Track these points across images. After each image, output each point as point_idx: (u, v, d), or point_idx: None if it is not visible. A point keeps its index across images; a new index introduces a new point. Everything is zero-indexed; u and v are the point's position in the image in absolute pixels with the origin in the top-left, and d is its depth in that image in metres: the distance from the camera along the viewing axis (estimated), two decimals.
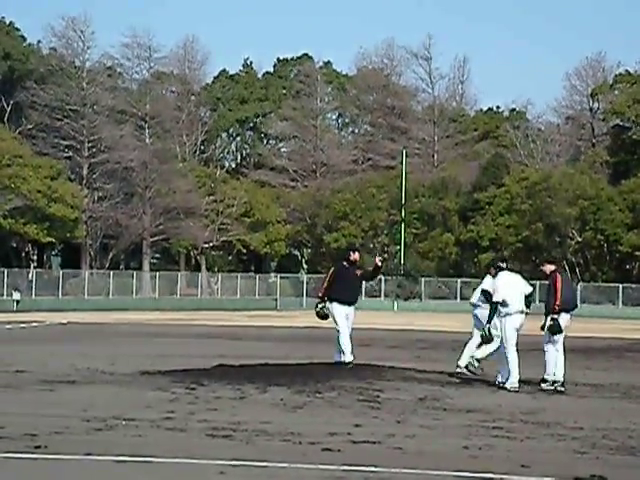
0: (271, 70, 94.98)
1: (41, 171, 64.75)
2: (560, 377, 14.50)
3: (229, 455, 8.35)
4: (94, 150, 71.64)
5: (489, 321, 14.64)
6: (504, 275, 14.89)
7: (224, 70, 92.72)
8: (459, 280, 71.48)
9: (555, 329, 14.47)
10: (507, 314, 14.57)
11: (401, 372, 15.89)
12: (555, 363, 14.52)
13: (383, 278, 72.87)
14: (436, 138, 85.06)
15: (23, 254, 73.26)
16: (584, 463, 8.47)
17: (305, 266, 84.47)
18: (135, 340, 26.51)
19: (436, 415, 11.37)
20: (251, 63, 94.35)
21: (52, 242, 69.55)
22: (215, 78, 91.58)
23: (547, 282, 14.90)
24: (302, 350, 21.89)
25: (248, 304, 66.04)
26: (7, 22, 79.19)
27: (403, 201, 70.74)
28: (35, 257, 75.11)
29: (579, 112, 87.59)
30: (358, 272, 16.45)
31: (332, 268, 16.43)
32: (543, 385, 14.46)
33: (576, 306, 15.11)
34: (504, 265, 15.30)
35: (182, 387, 13.52)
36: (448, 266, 75.47)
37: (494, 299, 14.57)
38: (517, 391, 14.15)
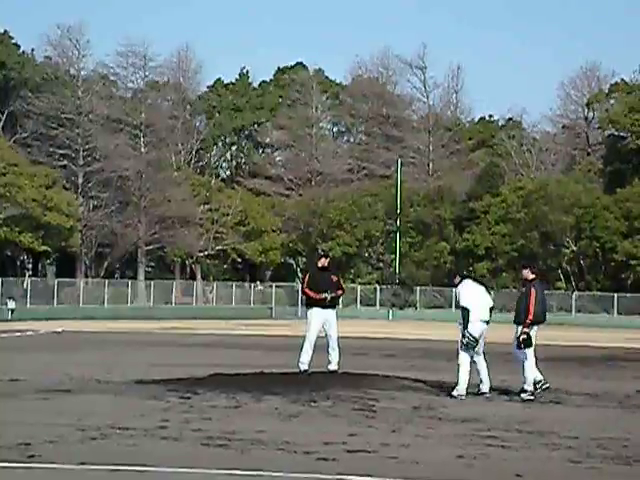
0: (266, 79, 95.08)
1: (36, 180, 64.71)
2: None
3: (224, 464, 8.34)
4: (89, 159, 71.64)
5: (465, 326, 14.52)
6: (468, 282, 14.96)
7: (219, 79, 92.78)
8: (454, 289, 71.22)
9: (527, 343, 14.48)
10: (469, 321, 14.56)
11: (396, 381, 15.88)
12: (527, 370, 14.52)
13: (378, 287, 72.92)
14: (431, 147, 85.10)
15: (18, 263, 73.24)
16: (579, 472, 8.47)
17: (300, 275, 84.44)
18: (130, 349, 26.47)
19: (431, 424, 11.37)
20: (247, 72, 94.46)
21: (47, 251, 69.42)
22: (210, 87, 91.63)
23: (523, 289, 14.96)
24: (297, 359, 21.85)
25: (243, 313, 65.99)
26: (2, 31, 79.11)
27: (398, 210, 70.81)
28: (30, 266, 75.05)
29: (574, 121, 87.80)
30: (334, 278, 16.47)
31: (307, 273, 16.50)
32: (523, 395, 14.45)
33: (544, 319, 14.94)
34: (467, 274, 15.50)
35: (177, 396, 13.50)
36: (443, 275, 75.29)
37: (462, 303, 14.60)
38: (463, 399, 14.13)
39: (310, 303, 16.26)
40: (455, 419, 11.85)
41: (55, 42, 76.60)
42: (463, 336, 14.45)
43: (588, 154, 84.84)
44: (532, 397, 14.36)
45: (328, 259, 16.78)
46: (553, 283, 73.02)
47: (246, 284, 76.87)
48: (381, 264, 77.55)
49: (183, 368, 18.12)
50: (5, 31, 79.28)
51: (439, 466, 8.60)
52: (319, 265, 16.52)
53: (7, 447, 9.06)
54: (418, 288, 72.30)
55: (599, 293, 70.20)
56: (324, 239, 76.33)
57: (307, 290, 16.17)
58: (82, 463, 8.31)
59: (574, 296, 70.05)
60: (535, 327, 14.68)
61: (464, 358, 14.44)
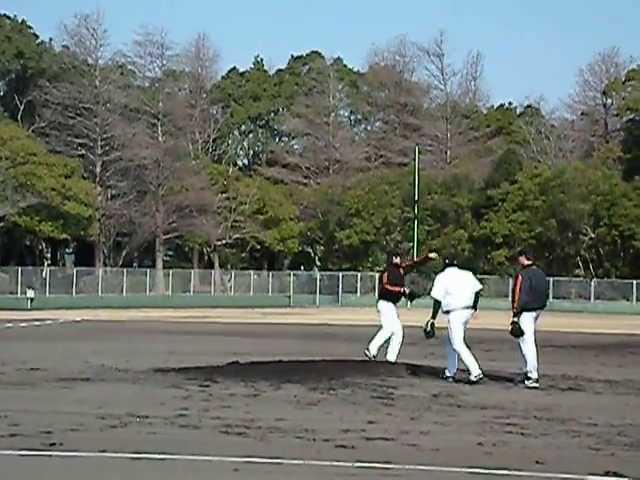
0: (283, 67, 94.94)
1: (55, 169, 64.96)
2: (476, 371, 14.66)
3: (243, 452, 8.35)
4: (107, 148, 71.79)
5: (433, 316, 14.86)
6: (448, 271, 15.16)
7: (234, 68, 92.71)
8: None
9: (516, 332, 14.47)
10: (451, 310, 14.74)
11: (415, 369, 15.87)
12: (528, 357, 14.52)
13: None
14: (449, 135, 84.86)
15: (37, 252, 73.52)
16: (599, 459, 8.45)
17: (318, 263, 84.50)
18: (149, 337, 26.56)
19: (450, 412, 11.36)
20: (262, 60, 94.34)
21: (66, 240, 69.75)
22: (225, 75, 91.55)
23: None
24: (315, 347, 21.90)
25: (261, 301, 66.11)
26: (19, 20, 79.34)
27: (416, 198, 70.67)
28: (49, 255, 75.39)
29: (592, 108, 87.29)
30: (401, 270, 17.12)
31: (385, 271, 17.00)
32: (527, 382, 14.43)
33: (544, 305, 14.84)
34: (452, 262, 15.60)
35: (196, 384, 13.54)
36: (462, 262, 75.31)
37: (432, 294, 14.91)
38: (482, 379, 14.36)
39: (388, 298, 16.62)
40: (474, 406, 11.84)
41: (73, 31, 76.77)
42: (426, 324, 14.86)
43: (607, 141, 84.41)
44: (537, 384, 14.32)
45: (399, 258, 17.60)
46: (572, 270, 72.86)
47: (264, 272, 76.94)
48: (398, 252, 77.44)
49: (202, 356, 18.16)
50: (23, 20, 79.50)
51: (458, 453, 8.60)
52: (394, 263, 17.18)
53: (28, 435, 9.11)
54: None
55: (618, 280, 69.99)
56: (342, 227, 76.30)
57: (389, 286, 16.48)
58: (102, 451, 8.35)
59: (593, 283, 69.85)
60: (533, 313, 14.59)
61: (458, 343, 14.64)
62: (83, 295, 61.49)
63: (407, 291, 16.77)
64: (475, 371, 14.52)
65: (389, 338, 16.54)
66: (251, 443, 8.93)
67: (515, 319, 14.44)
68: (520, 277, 14.63)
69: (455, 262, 15.67)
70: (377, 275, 17.43)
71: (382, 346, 16.47)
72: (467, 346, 14.75)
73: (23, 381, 13.92)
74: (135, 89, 78.52)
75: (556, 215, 72.00)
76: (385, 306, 16.64)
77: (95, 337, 26.57)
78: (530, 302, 14.48)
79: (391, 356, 16.38)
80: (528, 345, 14.46)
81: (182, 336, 27.42)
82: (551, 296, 70.49)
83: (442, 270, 15.31)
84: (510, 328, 14.50)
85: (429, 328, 14.84)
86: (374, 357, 16.39)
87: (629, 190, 71.78)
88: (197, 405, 11.40)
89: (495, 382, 14.73)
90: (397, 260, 17.37)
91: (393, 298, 16.66)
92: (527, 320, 14.48)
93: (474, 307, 14.99)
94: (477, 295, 15.05)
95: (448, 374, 14.94)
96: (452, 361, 14.94)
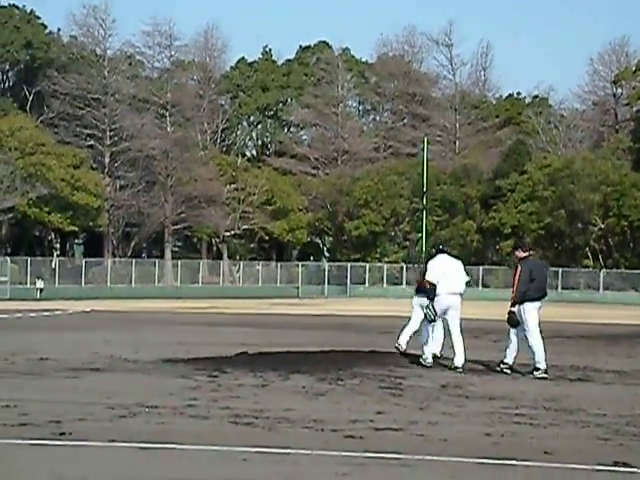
0: (291, 57, 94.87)
1: (64, 160, 65.07)
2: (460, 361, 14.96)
3: (252, 442, 8.38)
4: (116, 139, 71.85)
5: (432, 299, 15.21)
6: (439, 257, 15.58)
7: (243, 58, 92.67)
8: (481, 268, 71.32)
9: (513, 322, 14.51)
10: (437, 294, 15.12)
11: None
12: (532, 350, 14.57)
13: (405, 266, 72.86)
14: (457, 125, 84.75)
15: (46, 243, 73.66)
16: (607, 450, 8.45)
17: (326, 254, 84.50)
18: (158, 328, 26.61)
19: (458, 402, 11.37)
20: (270, 51, 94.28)
21: (75, 231, 69.86)
22: (234, 66, 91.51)
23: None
24: (323, 338, 21.92)
25: (269, 292, 66.16)
26: (28, 10, 79.41)
27: (424, 188, 70.58)
28: (58, 245, 75.50)
29: (602, 98, 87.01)
30: None
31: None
32: (536, 373, 14.45)
33: (543, 295, 14.84)
34: (442, 248, 16.11)
35: (205, 375, 13.57)
36: (470, 254, 75.20)
37: (427, 278, 15.27)
38: (430, 365, 14.99)
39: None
40: (483, 397, 11.85)
41: (81, 22, 76.81)
42: (426, 307, 15.22)
43: (616, 131, 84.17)
44: (546, 375, 14.33)
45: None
46: (581, 261, 72.74)
47: (272, 263, 76.99)
48: (407, 243, 77.47)
49: (210, 347, 18.20)
50: (31, 11, 79.58)
51: (467, 443, 8.61)
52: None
53: (38, 425, 9.15)
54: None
55: (627, 271, 69.85)
56: (350, 218, 76.30)
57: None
58: (112, 440, 8.38)
59: (602, 274, 69.73)
60: (537, 303, 14.60)
61: (428, 329, 15.39)
62: (92, 286, 61.61)
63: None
64: (427, 358, 15.16)
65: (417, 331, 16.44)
66: (260, 433, 8.95)
67: (513, 309, 14.50)
68: (519, 268, 14.69)
69: (445, 249, 16.10)
70: (417, 268, 17.27)
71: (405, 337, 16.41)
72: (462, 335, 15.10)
73: (33, 371, 13.97)
74: (143, 79, 78.56)
75: (565, 206, 71.86)
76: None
77: (104, 327, 26.62)
78: (531, 292, 14.52)
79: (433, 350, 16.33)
80: (534, 336, 14.47)
81: (191, 327, 27.46)
82: (560, 287, 70.77)
83: (433, 257, 15.73)
84: (507, 317, 14.60)
85: (430, 311, 15.20)
86: (404, 350, 16.35)
87: (639, 180, 71.59)
88: (206, 395, 11.43)
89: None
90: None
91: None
92: (531, 311, 14.49)
93: (461, 297, 15.34)
94: (467, 284, 15.54)
95: (454, 361, 15.09)
96: (458, 347, 15.13)
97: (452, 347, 15.24)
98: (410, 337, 16.38)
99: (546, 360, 14.49)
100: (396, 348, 16.33)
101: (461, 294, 15.38)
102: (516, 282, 14.51)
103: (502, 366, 14.70)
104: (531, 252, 15.32)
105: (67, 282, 60.46)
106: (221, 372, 13.88)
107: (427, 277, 15.25)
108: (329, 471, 7.35)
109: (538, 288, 14.68)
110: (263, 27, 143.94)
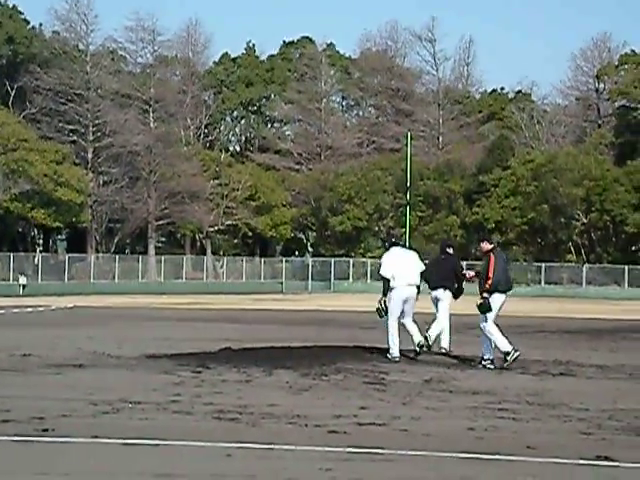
0: (275, 53, 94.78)
1: (47, 155, 64.83)
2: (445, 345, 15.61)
3: (235, 438, 8.37)
4: (99, 134, 71.66)
5: (384, 294, 15.40)
6: (393, 250, 15.75)
7: (226, 53, 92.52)
8: (465, 263, 71.10)
9: (484, 308, 14.55)
10: (393, 287, 15.26)
11: (406, 354, 15.90)
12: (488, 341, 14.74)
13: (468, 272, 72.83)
14: (441, 120, 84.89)
15: (29, 238, 73.41)
16: (590, 444, 8.48)
17: (310, 249, 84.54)
18: (141, 324, 26.57)
19: (442, 397, 11.39)
20: (253, 46, 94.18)
21: (58, 226, 69.66)
22: (217, 61, 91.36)
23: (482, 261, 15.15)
24: (307, 333, 21.92)
25: (253, 287, 66.14)
26: (10, 5, 79.01)
27: (408, 184, 70.68)
28: (41, 241, 75.31)
29: (585, 93, 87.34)
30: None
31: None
32: (484, 363, 14.60)
33: (511, 287, 15.05)
34: (395, 241, 16.49)
35: (188, 370, 13.55)
36: (453, 249, 75.40)
37: (381, 272, 15.46)
38: (397, 361, 15.02)
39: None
40: (466, 391, 11.87)
41: (63, 17, 76.62)
42: (378, 302, 15.41)
43: (599, 126, 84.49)
44: (492, 365, 14.51)
45: (452, 248, 17.82)
46: (564, 256, 73.00)
47: (256, 259, 76.97)
48: (393, 239, 77.53)
49: (194, 343, 18.18)
50: (13, 6, 79.19)
51: (450, 438, 8.63)
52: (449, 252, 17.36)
53: (21, 421, 9.12)
54: (428, 262, 72.27)
55: (610, 265, 70.16)
56: (334, 213, 76.33)
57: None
58: (95, 437, 8.36)
59: (585, 268, 70.00)
60: (501, 296, 14.68)
61: (392, 319, 15.38)
62: (75, 281, 61.48)
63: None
64: (394, 352, 15.24)
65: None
66: (243, 429, 8.95)
67: (486, 295, 14.52)
68: (493, 256, 14.74)
69: (399, 242, 16.47)
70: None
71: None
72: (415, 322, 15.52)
73: (15, 367, 13.92)
74: (126, 75, 78.36)
75: (548, 201, 72.10)
76: (446, 295, 16.65)
77: (87, 323, 26.56)
78: (502, 284, 14.60)
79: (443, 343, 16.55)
80: (492, 325, 14.60)
81: (174, 322, 27.44)
82: (543, 281, 71.00)
83: (387, 249, 15.93)
84: (479, 303, 14.56)
85: (382, 306, 15.39)
86: (450, 351, 16.40)
87: (621, 175, 71.89)
88: (189, 391, 11.42)
89: (488, 368, 14.77)
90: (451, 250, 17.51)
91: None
92: (496, 301, 14.59)
93: (418, 289, 15.54)
94: (421, 275, 15.61)
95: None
96: (414, 332, 15.55)
97: (408, 331, 15.61)
98: (446, 334, 16.51)
99: (492, 351, 14.65)
100: (443, 354, 16.26)
101: (418, 285, 15.53)
102: (491, 271, 14.55)
103: (484, 362, 14.72)
104: (495, 246, 15.39)
105: (50, 278, 60.30)
106: (205, 368, 13.87)
107: (381, 271, 15.43)
108: (313, 466, 7.35)
109: (507, 280, 14.84)
110: (246, 22, 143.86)
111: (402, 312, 15.50)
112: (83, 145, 71.86)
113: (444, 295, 16.46)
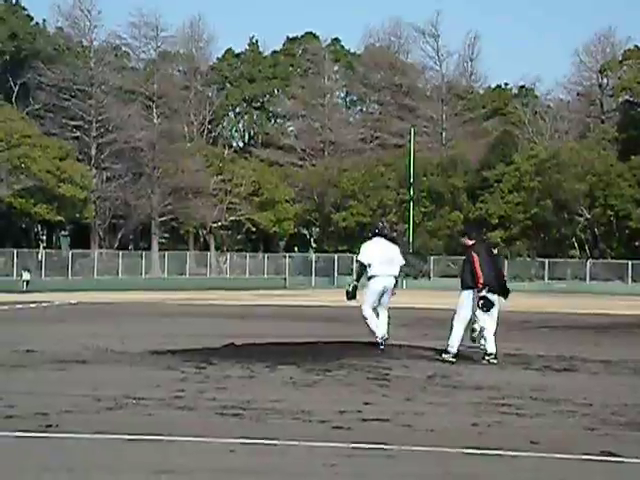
0: (278, 49, 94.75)
1: (50, 151, 64.87)
2: (383, 333, 15.60)
3: (239, 433, 8.37)
4: (102, 130, 71.67)
5: (357, 279, 15.82)
6: (374, 240, 15.86)
7: (229, 49, 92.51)
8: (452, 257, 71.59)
9: (487, 305, 14.54)
10: (371, 276, 15.49)
11: (410, 350, 15.90)
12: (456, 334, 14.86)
13: None
14: (444, 116, 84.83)
15: (32, 235, 73.47)
16: (594, 439, 8.47)
17: (313, 245, 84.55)
18: (144, 320, 26.58)
19: (445, 392, 11.38)
20: (257, 42, 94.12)
21: (61, 222, 69.70)
22: (221, 57, 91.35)
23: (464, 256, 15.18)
24: (311, 329, 21.92)
25: (257, 283, 66.14)
26: (13, 1, 79.06)
27: (411, 179, 70.71)
28: (44, 237, 75.35)
29: (588, 88, 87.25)
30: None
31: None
32: (445, 356, 14.70)
33: (497, 284, 14.89)
34: (379, 232, 16.21)
35: (192, 366, 13.55)
36: (457, 244, 75.34)
37: (359, 258, 15.75)
38: (384, 342, 15.50)
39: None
40: (469, 387, 11.86)
41: (67, 13, 76.74)
42: (349, 285, 15.85)
43: (602, 121, 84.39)
44: (453, 359, 14.57)
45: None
46: (567, 251, 72.97)
47: (260, 254, 76.97)
48: (394, 234, 77.51)
49: (197, 339, 18.18)
50: (17, 2, 79.23)
51: (453, 434, 8.62)
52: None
53: (25, 417, 9.12)
54: (432, 257, 72.28)
55: (613, 261, 70.10)
56: (337, 209, 76.31)
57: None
58: (98, 432, 8.36)
59: (588, 264, 69.93)
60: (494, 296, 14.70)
61: (367, 307, 15.61)
62: (78, 277, 61.49)
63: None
64: (379, 334, 15.53)
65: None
66: (247, 424, 8.94)
67: (482, 294, 14.52)
68: (473, 253, 14.73)
69: (383, 233, 16.23)
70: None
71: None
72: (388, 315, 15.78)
73: (19, 363, 13.92)
74: (130, 71, 78.44)
75: (552, 196, 72.05)
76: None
77: (91, 319, 26.57)
78: (487, 279, 14.58)
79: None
80: (462, 321, 14.67)
81: (178, 318, 27.44)
82: (547, 277, 70.97)
83: (369, 239, 15.98)
84: (481, 303, 14.54)
85: (350, 289, 15.73)
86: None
87: (624, 170, 71.80)
88: (193, 387, 11.42)
89: (491, 364, 14.76)
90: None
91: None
92: (468, 297, 14.61)
93: (396, 281, 15.71)
94: (400, 270, 15.79)
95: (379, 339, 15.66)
96: (382, 323, 15.74)
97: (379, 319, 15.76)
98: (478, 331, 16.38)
99: (459, 345, 14.74)
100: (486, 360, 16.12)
101: (396, 277, 15.68)
102: (476, 267, 14.55)
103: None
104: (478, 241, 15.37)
105: (53, 274, 60.32)
106: (208, 363, 13.86)
107: (359, 257, 15.68)
108: (317, 462, 7.34)
109: (490, 275, 14.80)
110: (250, 18, 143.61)
111: (379, 301, 15.70)
112: (86, 141, 71.88)
113: (494, 296, 16.30)
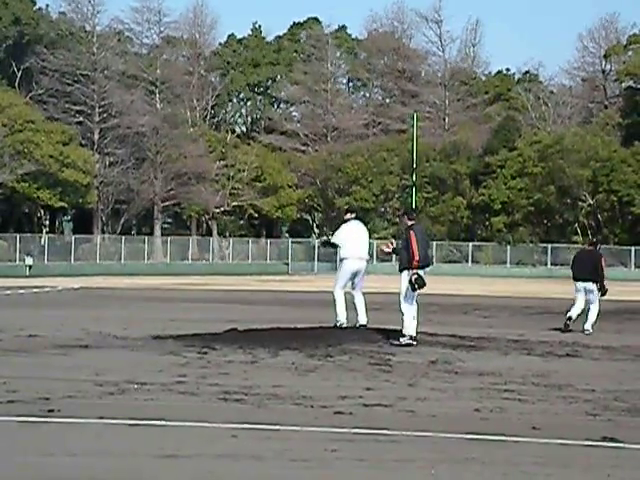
0: (281, 34, 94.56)
1: (53, 136, 64.79)
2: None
3: (241, 419, 8.38)
4: (105, 115, 71.55)
5: (329, 243, 16.84)
6: (352, 223, 16.03)
7: (232, 34, 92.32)
8: (470, 244, 71.50)
9: (420, 283, 14.64)
10: (344, 258, 15.84)
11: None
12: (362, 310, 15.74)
13: (395, 242, 72.90)
14: (447, 101, 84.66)
15: (35, 219, 73.45)
16: (596, 425, 8.48)
17: (316, 230, 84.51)
18: (147, 305, 26.61)
19: (448, 378, 11.39)
20: (260, 27, 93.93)
21: (64, 207, 69.69)
22: (224, 43, 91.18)
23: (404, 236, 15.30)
24: (313, 314, 21.93)
25: (259, 268, 66.17)
26: None
27: (414, 165, 70.51)
28: (47, 222, 75.32)
29: (592, 74, 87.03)
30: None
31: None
32: (402, 340, 14.67)
33: (429, 264, 15.34)
34: (353, 215, 16.30)
35: (194, 351, 13.57)
36: (459, 230, 75.40)
37: (333, 239, 16.23)
38: (343, 327, 15.73)
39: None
40: (472, 373, 11.87)
41: None
42: (324, 235, 15.94)
43: (606, 107, 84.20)
44: (412, 341, 14.64)
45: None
46: (570, 237, 72.86)
47: (262, 240, 76.97)
48: (397, 219, 77.49)
49: (200, 324, 18.20)
50: None
51: (456, 419, 8.63)
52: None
53: (27, 402, 9.14)
54: (434, 243, 72.24)
55: (616, 247, 69.99)
56: (340, 194, 76.26)
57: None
58: (101, 417, 8.38)
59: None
60: (421, 272, 14.80)
61: (338, 288, 15.95)
62: (81, 262, 61.49)
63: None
64: (340, 318, 15.82)
65: None
66: (249, 410, 8.95)
67: (418, 271, 14.63)
68: (412, 232, 14.91)
69: (357, 215, 16.51)
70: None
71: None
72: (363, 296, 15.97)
73: (21, 348, 13.95)
74: (132, 56, 78.24)
75: (555, 182, 71.94)
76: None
77: (93, 304, 26.61)
78: (422, 257, 14.77)
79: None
80: (411, 304, 14.77)
81: (180, 303, 27.47)
82: (549, 263, 70.93)
83: (346, 221, 16.14)
84: (414, 279, 14.60)
85: (324, 239, 16.39)
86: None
87: (628, 156, 71.65)
88: (195, 372, 11.43)
89: (492, 348, 14.77)
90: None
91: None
92: (406, 278, 14.72)
93: (367, 262, 16.03)
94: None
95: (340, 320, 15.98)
96: (360, 308, 16.00)
97: (355, 309, 15.99)
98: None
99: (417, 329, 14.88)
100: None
101: (367, 260, 16.02)
102: (414, 246, 14.68)
103: (402, 339, 14.73)
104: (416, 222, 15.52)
105: (56, 259, 60.32)
106: (210, 349, 13.88)
107: (333, 238, 16.12)
108: (319, 447, 7.36)
109: (426, 256, 15.09)
110: (253, 3, 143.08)
111: (352, 283, 15.98)
112: (89, 126, 71.78)
113: (593, 286, 18.63)
